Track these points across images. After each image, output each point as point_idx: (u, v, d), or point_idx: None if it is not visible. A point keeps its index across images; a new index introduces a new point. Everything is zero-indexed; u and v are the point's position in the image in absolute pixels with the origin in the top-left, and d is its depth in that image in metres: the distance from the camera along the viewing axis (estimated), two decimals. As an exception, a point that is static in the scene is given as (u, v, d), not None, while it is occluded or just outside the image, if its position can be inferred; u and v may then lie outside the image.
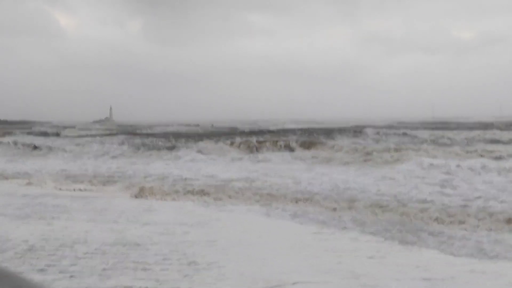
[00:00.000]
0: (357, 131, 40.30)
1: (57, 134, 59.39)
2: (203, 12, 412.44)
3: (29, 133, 58.54)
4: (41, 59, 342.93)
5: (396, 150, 24.71)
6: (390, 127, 52.98)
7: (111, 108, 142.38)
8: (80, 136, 51.35)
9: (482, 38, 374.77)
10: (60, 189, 15.35)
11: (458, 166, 17.65)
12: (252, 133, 42.78)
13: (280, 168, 20.00)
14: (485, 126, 52.23)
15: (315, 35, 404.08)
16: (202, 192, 14.30)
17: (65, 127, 75.80)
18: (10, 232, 8.38)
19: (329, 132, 40.55)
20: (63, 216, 10.24)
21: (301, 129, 46.52)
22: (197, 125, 78.40)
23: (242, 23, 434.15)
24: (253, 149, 28.62)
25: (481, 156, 22.37)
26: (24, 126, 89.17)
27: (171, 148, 29.44)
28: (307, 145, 28.84)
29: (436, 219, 10.54)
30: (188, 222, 9.70)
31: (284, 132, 42.42)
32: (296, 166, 21.20)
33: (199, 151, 27.71)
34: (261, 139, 32.52)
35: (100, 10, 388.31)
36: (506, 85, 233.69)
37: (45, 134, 60.42)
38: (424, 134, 38.34)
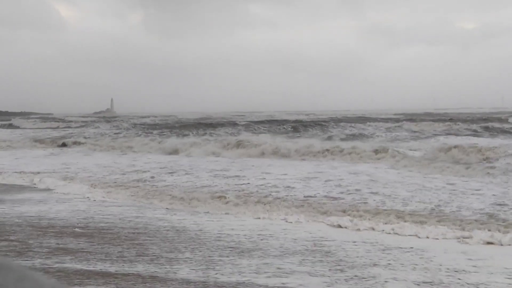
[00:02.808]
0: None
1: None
2: (204, 3, 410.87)
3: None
4: (42, 51, 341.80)
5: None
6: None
7: (112, 100, 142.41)
8: (83, 126, 50.88)
9: (486, 30, 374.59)
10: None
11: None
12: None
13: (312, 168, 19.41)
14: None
15: (318, 27, 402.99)
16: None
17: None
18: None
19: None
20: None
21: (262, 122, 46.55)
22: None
23: (244, 15, 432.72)
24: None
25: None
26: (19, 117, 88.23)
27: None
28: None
29: None
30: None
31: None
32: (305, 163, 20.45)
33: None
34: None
35: (100, 2, 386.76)
36: (508, 76, 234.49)
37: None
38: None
